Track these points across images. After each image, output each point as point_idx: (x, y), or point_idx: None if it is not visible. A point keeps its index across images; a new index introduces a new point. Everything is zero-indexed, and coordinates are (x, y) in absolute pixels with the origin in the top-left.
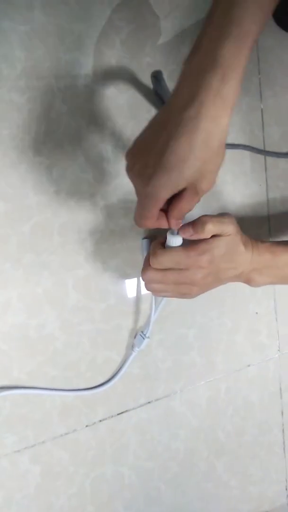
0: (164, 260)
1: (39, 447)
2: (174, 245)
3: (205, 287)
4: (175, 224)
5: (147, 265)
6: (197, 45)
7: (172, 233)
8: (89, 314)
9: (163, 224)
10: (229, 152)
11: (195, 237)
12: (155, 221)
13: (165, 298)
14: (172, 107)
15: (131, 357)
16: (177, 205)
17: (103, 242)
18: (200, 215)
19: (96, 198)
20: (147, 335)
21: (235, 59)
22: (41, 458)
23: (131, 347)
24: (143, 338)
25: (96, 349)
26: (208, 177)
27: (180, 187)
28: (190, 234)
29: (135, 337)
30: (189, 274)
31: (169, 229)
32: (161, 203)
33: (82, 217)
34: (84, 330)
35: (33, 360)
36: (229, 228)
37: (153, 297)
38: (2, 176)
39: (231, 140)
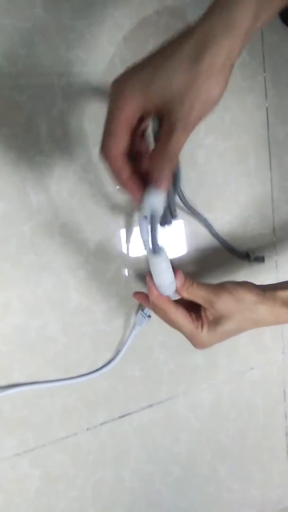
0: (165, 316)
1: (39, 451)
2: (165, 291)
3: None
4: (156, 177)
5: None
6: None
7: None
8: (90, 315)
9: (135, 189)
10: (233, 151)
11: (178, 290)
12: (119, 157)
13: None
14: None
15: (132, 335)
16: (156, 145)
17: (104, 242)
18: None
19: (98, 198)
20: (147, 314)
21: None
22: (41, 462)
23: (132, 326)
24: (144, 317)
25: (97, 351)
26: (187, 104)
27: (150, 99)
28: (181, 281)
29: (136, 315)
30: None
31: None
32: (125, 111)
33: (83, 217)
34: (86, 331)
35: (34, 362)
36: (221, 308)
37: None
38: (3, 176)
39: (235, 139)
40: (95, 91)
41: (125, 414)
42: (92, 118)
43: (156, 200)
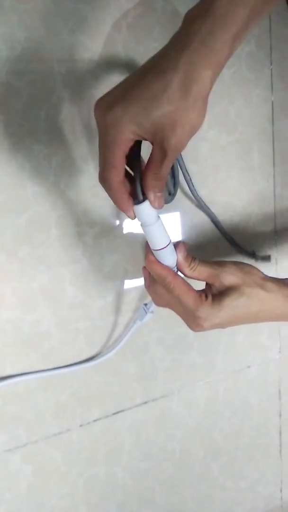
0: (161, 285)
1: (31, 447)
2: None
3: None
4: (153, 196)
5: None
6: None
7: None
8: (86, 310)
9: (131, 209)
10: (237, 145)
11: (180, 265)
12: (120, 184)
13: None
14: (158, 52)
15: (132, 330)
16: (148, 168)
17: (102, 236)
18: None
19: (97, 190)
20: (150, 309)
21: (229, 13)
22: (33, 458)
23: (133, 320)
24: (146, 312)
25: (92, 346)
26: (178, 132)
27: (144, 131)
28: (183, 254)
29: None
30: (189, 313)
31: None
32: (122, 143)
33: (81, 210)
34: (81, 327)
35: (27, 357)
36: (227, 279)
37: None
38: None
39: (239, 133)
40: (97, 78)
41: (119, 411)
42: (93, 106)
43: (148, 209)
